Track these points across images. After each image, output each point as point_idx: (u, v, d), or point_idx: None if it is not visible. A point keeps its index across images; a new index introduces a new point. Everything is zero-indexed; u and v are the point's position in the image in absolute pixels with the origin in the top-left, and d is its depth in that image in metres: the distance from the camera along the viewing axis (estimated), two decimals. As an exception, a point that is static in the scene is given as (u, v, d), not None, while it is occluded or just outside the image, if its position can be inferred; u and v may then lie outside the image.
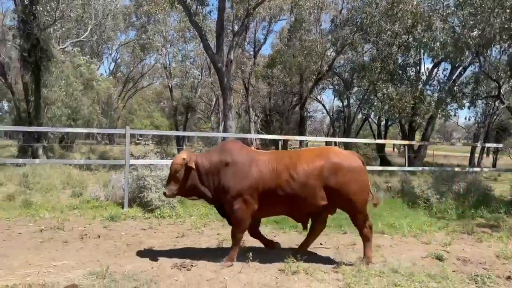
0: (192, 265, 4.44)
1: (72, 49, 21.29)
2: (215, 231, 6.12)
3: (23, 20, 12.73)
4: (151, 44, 19.31)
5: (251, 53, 22.15)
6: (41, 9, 12.28)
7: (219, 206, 4.69)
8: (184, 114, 21.61)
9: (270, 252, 4.98)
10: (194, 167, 4.44)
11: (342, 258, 4.82)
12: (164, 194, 4.56)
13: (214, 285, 3.93)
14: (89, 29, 18.73)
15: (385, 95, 16.85)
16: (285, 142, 32.66)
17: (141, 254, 4.84)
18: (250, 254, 4.45)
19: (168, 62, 22.21)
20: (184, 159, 4.44)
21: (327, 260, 4.81)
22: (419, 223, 6.88)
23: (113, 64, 38.29)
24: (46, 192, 8.96)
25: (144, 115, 42.64)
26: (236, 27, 16.67)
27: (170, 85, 22.97)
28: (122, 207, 7.29)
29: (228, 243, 5.08)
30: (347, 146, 22.25)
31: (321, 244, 5.53)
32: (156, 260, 4.59)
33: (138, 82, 36.54)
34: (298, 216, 4.69)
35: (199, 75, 20.97)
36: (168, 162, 7.82)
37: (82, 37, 18.79)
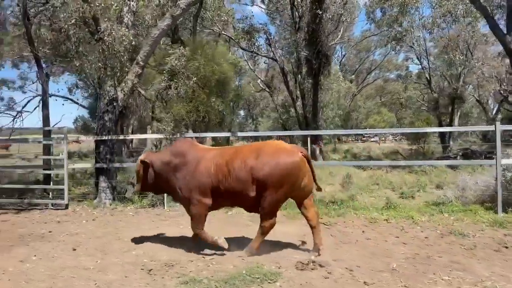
0: None
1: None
2: None
3: (310, 31, 13.73)
4: (403, 34, 18.37)
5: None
6: (329, 16, 13.02)
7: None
8: (450, 106, 19.74)
9: None
10: (148, 164, 4.95)
11: None
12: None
13: None
14: (341, 29, 19.10)
15: None
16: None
17: None
18: None
19: (424, 50, 20.88)
20: (142, 158, 5.03)
21: None
22: None
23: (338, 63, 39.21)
24: (365, 192, 9.26)
25: (364, 111, 42.10)
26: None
27: (428, 76, 21.56)
28: (495, 212, 6.58)
29: None
30: None
31: None
32: None
33: (366, 79, 36.38)
34: (245, 208, 4.81)
35: (465, 60, 18.93)
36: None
37: (335, 40, 19.38)
